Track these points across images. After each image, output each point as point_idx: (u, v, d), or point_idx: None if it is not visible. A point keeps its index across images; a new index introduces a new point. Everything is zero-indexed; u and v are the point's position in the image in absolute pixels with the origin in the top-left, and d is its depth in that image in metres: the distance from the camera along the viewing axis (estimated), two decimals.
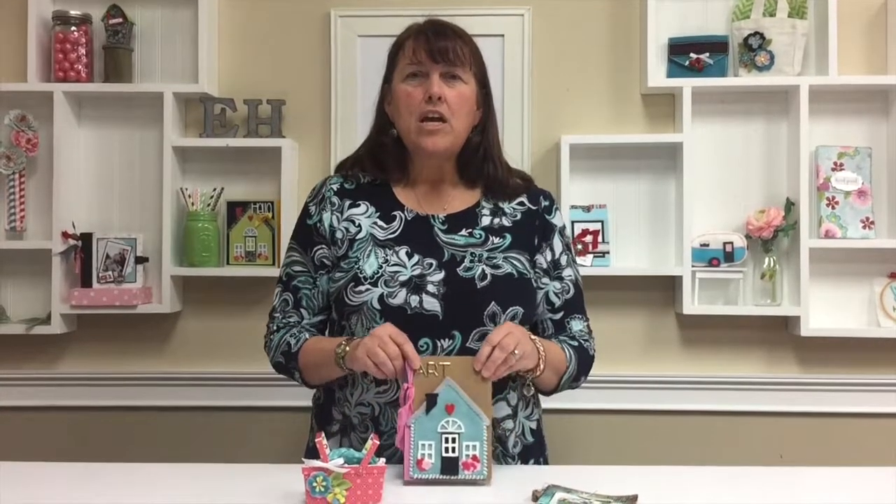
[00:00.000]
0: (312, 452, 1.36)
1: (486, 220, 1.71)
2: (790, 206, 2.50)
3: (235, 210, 2.57)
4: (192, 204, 2.53)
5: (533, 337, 1.58)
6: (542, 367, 1.57)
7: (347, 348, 1.56)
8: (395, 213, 1.71)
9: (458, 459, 1.45)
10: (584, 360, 1.72)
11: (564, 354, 1.67)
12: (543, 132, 2.58)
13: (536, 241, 1.73)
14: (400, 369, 1.48)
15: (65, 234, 2.51)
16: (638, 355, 2.58)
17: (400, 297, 1.60)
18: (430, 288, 1.61)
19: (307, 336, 1.69)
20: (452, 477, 1.44)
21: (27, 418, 2.61)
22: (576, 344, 1.72)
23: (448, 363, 1.48)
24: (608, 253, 2.51)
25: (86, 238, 2.51)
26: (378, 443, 1.36)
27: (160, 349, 2.63)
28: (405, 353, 1.48)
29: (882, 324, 2.48)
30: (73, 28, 2.53)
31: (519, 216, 1.74)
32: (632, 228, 2.58)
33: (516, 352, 1.49)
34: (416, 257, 1.65)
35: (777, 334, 2.57)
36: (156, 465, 1.61)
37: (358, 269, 1.64)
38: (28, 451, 2.54)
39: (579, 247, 2.48)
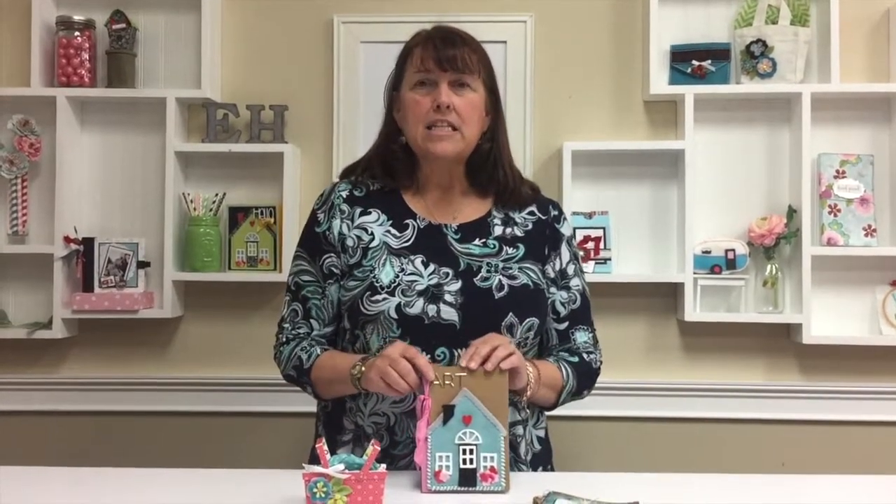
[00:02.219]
0: (316, 458, 1.36)
1: (498, 230, 1.71)
2: (792, 213, 2.50)
3: (237, 215, 2.57)
4: (194, 209, 2.53)
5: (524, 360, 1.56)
6: (530, 389, 1.56)
7: (363, 369, 1.54)
8: (407, 221, 1.70)
9: (476, 471, 1.43)
10: (586, 373, 1.71)
11: (561, 372, 1.66)
12: (546, 138, 2.59)
13: (546, 250, 1.73)
14: (415, 384, 1.46)
15: (67, 239, 2.51)
16: (639, 362, 2.58)
17: (417, 306, 1.59)
18: (448, 297, 1.60)
19: (318, 351, 1.67)
20: (471, 489, 1.43)
21: (28, 423, 2.60)
22: (575, 360, 1.70)
23: (464, 373, 1.45)
24: (610, 259, 2.50)
25: (88, 243, 2.51)
26: (378, 449, 1.36)
27: (161, 354, 2.63)
28: (418, 367, 1.46)
29: (884, 332, 2.48)
30: (77, 33, 2.54)
31: (530, 226, 1.73)
32: (634, 235, 2.58)
33: (501, 350, 1.48)
34: (432, 266, 1.64)
35: (779, 342, 2.56)
36: (156, 470, 1.61)
37: (374, 277, 1.62)
38: (29, 456, 2.53)
39: (581, 253, 2.47)
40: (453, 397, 1.44)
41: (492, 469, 1.43)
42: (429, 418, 1.44)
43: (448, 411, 1.44)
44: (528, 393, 1.56)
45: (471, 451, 1.43)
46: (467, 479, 1.43)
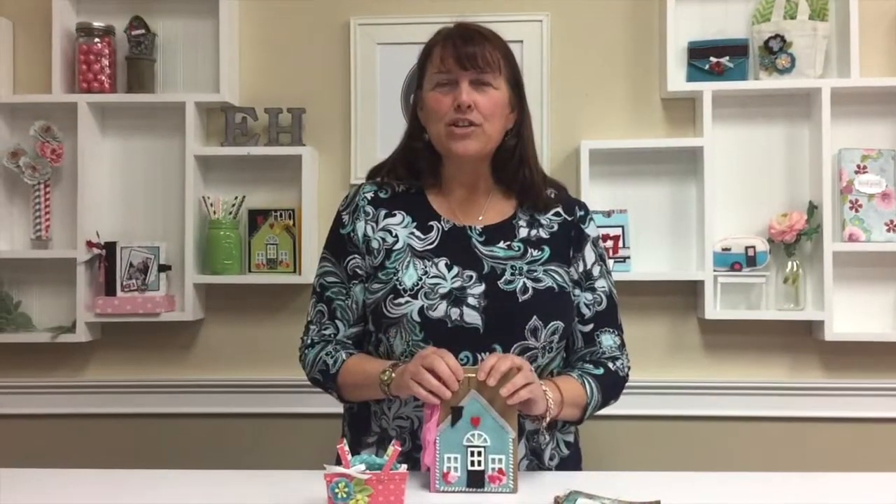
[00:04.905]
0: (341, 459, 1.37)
1: (523, 232, 1.69)
2: (813, 209, 2.48)
3: (257, 218, 2.58)
4: (214, 212, 2.55)
5: (540, 382, 1.53)
6: (549, 414, 1.53)
7: (393, 375, 1.54)
8: (431, 223, 1.68)
9: (484, 473, 1.44)
10: (612, 384, 1.69)
11: (584, 389, 1.64)
12: (563, 137, 2.58)
13: (571, 252, 1.71)
14: (452, 383, 1.44)
15: (89, 244, 2.53)
16: (660, 361, 2.57)
17: (440, 309, 1.58)
18: (471, 301, 1.59)
19: (344, 356, 1.66)
20: (478, 490, 1.43)
21: (53, 426, 2.63)
22: (600, 372, 1.68)
23: (473, 375, 1.45)
24: (629, 258, 2.50)
25: (110, 247, 2.54)
26: (399, 449, 1.36)
27: (183, 357, 2.65)
28: (453, 369, 1.44)
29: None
30: (97, 40, 2.56)
31: (556, 227, 1.71)
32: (653, 233, 2.57)
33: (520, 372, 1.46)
34: (455, 269, 1.62)
35: (801, 339, 2.54)
36: (179, 472, 1.62)
37: (397, 280, 1.61)
38: (53, 459, 2.57)
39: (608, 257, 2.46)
40: (462, 399, 1.45)
41: (500, 471, 1.44)
42: (438, 420, 1.44)
43: (456, 413, 1.45)
44: (548, 418, 1.54)
45: (479, 453, 1.44)
46: (475, 480, 1.44)
